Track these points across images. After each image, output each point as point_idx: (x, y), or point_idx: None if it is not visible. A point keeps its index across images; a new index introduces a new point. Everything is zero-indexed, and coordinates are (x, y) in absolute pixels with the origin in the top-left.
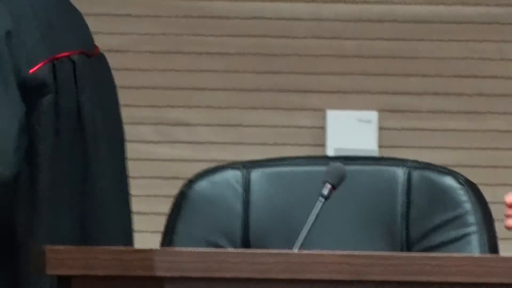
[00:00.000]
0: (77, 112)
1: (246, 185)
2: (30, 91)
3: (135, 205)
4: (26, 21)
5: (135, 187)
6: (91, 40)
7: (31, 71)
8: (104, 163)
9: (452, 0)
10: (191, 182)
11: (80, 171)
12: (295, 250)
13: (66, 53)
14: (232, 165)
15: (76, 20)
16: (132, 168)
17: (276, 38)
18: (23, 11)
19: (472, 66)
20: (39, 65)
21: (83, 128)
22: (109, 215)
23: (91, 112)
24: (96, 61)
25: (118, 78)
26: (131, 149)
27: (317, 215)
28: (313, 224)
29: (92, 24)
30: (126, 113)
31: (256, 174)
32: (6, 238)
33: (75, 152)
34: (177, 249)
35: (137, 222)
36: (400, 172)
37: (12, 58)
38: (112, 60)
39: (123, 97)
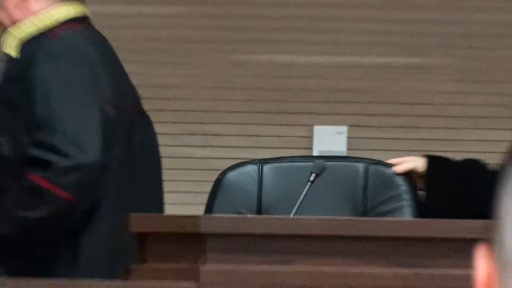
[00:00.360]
0: (127, 150)
1: (260, 175)
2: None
3: (188, 187)
4: (104, 73)
5: (187, 176)
6: (140, 102)
7: (107, 107)
8: (139, 179)
9: (399, 53)
10: (224, 173)
11: (128, 179)
12: (291, 216)
13: (127, 108)
14: (251, 162)
15: (131, 84)
16: (185, 164)
17: (280, 78)
18: (101, 65)
19: (412, 96)
20: (112, 107)
21: (132, 160)
22: (143, 201)
23: (138, 151)
24: (143, 118)
25: (175, 104)
26: (183, 152)
27: (306, 194)
28: (303, 200)
29: (155, 67)
30: (180, 127)
31: (267, 168)
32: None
33: (127, 171)
34: (215, 215)
35: (189, 198)
36: (361, 166)
37: (97, 88)
38: (170, 92)
39: (179, 116)
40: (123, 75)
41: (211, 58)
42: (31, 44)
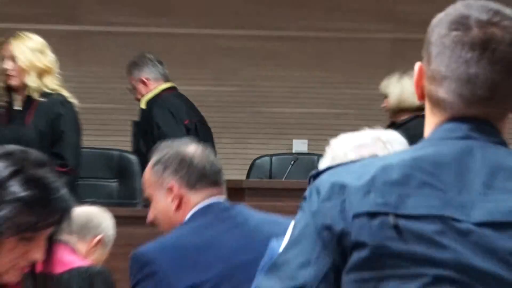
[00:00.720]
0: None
1: (270, 162)
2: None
3: (237, 166)
4: (184, 109)
5: (236, 161)
6: (203, 118)
7: (185, 122)
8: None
9: (330, 106)
10: (254, 161)
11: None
12: (283, 179)
13: (195, 120)
14: (266, 155)
15: (198, 111)
16: (235, 156)
17: (277, 119)
18: (191, 104)
19: (336, 126)
20: (188, 121)
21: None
22: None
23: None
24: (206, 127)
25: (229, 130)
26: (234, 151)
27: (289, 170)
28: (288, 172)
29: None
30: (233, 140)
31: (274, 158)
32: None
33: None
34: (249, 179)
35: (237, 172)
36: (315, 158)
37: (180, 115)
38: (225, 125)
39: (231, 135)
40: (194, 107)
41: (242, 110)
42: (151, 102)
